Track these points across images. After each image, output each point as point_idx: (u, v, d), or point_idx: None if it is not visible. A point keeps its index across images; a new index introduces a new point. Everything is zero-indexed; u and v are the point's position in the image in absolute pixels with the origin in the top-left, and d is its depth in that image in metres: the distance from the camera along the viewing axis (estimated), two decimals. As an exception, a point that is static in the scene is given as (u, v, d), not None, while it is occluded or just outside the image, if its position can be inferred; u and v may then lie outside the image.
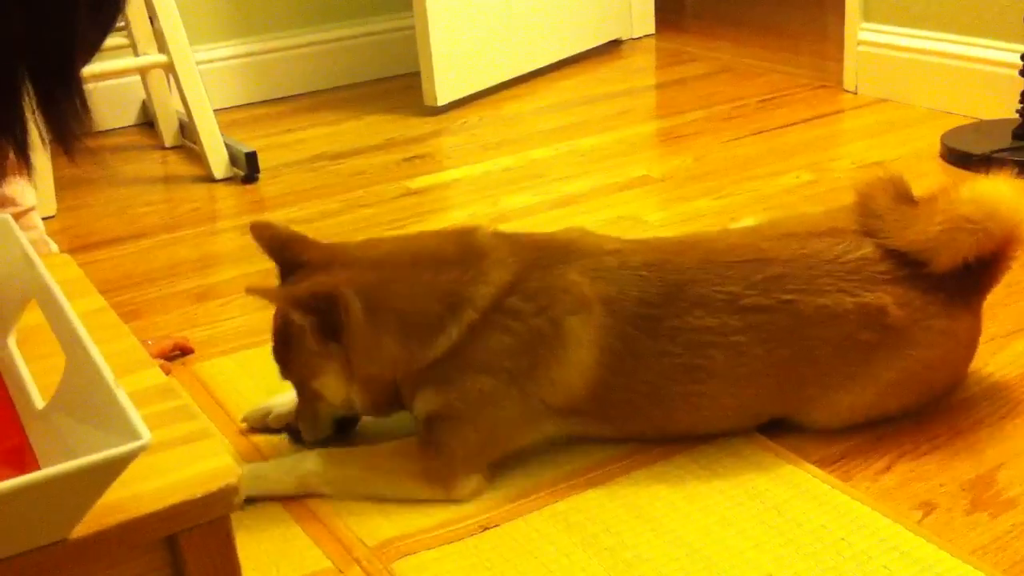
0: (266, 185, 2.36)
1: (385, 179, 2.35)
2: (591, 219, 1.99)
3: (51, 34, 0.72)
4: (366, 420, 1.34)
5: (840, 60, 2.74)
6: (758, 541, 1.12)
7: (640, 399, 1.25)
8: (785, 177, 2.17)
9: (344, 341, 1.21)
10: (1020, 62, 2.14)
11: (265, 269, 1.83)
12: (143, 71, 2.62)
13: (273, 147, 2.59)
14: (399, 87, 3.04)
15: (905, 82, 2.57)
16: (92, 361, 0.67)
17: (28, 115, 0.74)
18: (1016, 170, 1.27)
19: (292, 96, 3.05)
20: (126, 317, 1.49)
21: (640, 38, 3.44)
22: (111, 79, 2.71)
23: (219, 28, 2.96)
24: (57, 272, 0.82)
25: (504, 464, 1.26)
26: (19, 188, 1.54)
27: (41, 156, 2.28)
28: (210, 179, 2.39)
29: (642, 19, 3.44)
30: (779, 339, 1.23)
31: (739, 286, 1.23)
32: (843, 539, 1.11)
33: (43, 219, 2.20)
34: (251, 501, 1.20)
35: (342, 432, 1.32)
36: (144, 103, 2.85)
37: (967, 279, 1.26)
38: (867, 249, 1.25)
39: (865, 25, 2.65)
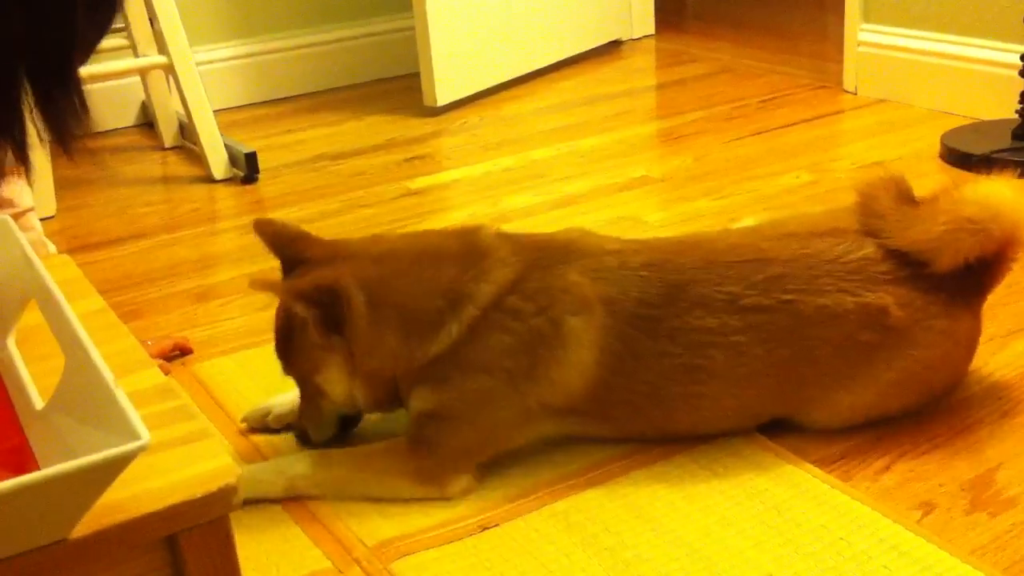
0: (266, 186, 2.36)
1: (385, 179, 2.35)
2: (591, 219, 1.99)
3: (50, 34, 0.72)
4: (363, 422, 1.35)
5: (840, 61, 2.74)
6: (758, 541, 1.12)
7: (640, 399, 1.25)
8: (785, 177, 2.17)
9: (346, 334, 1.21)
10: (1020, 62, 2.14)
11: (265, 269, 1.84)
12: (143, 72, 2.62)
13: (273, 148, 2.59)
14: (399, 88, 3.05)
15: (905, 82, 2.57)
16: (91, 361, 0.67)
17: (27, 115, 0.75)
18: (1017, 171, 1.27)
19: (292, 97, 3.05)
20: (126, 317, 1.50)
21: (640, 39, 3.44)
22: (111, 80, 2.71)
23: (219, 29, 2.96)
24: (57, 273, 0.82)
25: (503, 464, 1.26)
26: (16, 189, 1.54)
27: (41, 157, 2.29)
28: (210, 180, 2.39)
29: (642, 20, 3.44)
30: (780, 339, 1.23)
31: (740, 286, 1.23)
32: (843, 539, 1.11)
33: (43, 220, 2.21)
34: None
35: (345, 430, 1.32)
36: (144, 104, 2.85)
37: (968, 280, 1.26)
38: (868, 249, 1.25)
39: (865, 26, 2.65)
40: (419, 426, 1.24)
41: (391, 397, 1.26)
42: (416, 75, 2.82)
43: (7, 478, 0.57)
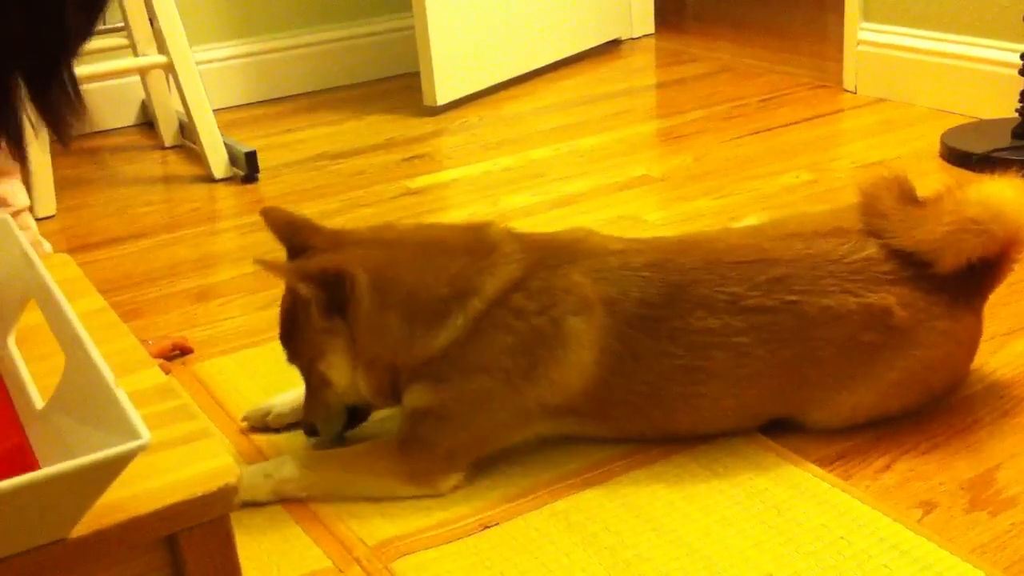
0: (266, 185, 2.36)
1: (385, 179, 2.35)
2: (591, 219, 1.99)
3: (43, 31, 0.73)
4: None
5: (840, 60, 2.74)
6: (758, 540, 1.12)
7: (640, 399, 1.25)
8: (785, 177, 2.17)
9: (349, 317, 1.20)
10: (1020, 61, 2.14)
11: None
12: (143, 71, 2.62)
13: (273, 147, 2.59)
14: (399, 87, 3.05)
15: (905, 82, 2.57)
16: (92, 361, 0.67)
17: (21, 108, 0.75)
18: (1018, 170, 1.27)
19: (292, 96, 3.05)
20: (126, 317, 1.50)
21: (640, 38, 3.44)
22: (111, 79, 2.71)
23: (219, 28, 2.96)
24: (57, 272, 0.82)
25: (503, 463, 1.26)
26: (11, 188, 1.54)
27: (41, 157, 2.29)
28: (210, 179, 2.39)
29: (642, 19, 3.44)
30: (782, 340, 1.23)
31: (742, 287, 1.23)
32: (843, 538, 1.11)
33: (43, 219, 2.22)
34: None
35: (353, 424, 1.32)
36: (144, 103, 2.85)
37: (970, 280, 1.26)
38: (871, 249, 1.25)
39: (865, 25, 2.65)
40: (413, 424, 1.23)
41: (394, 387, 1.26)
42: (416, 74, 2.82)
43: (7, 477, 0.57)
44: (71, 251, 1.97)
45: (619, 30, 3.38)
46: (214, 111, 2.41)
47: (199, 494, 0.68)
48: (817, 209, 1.73)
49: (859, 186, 1.32)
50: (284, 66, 3.05)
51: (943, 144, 2.22)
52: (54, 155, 2.27)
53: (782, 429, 1.29)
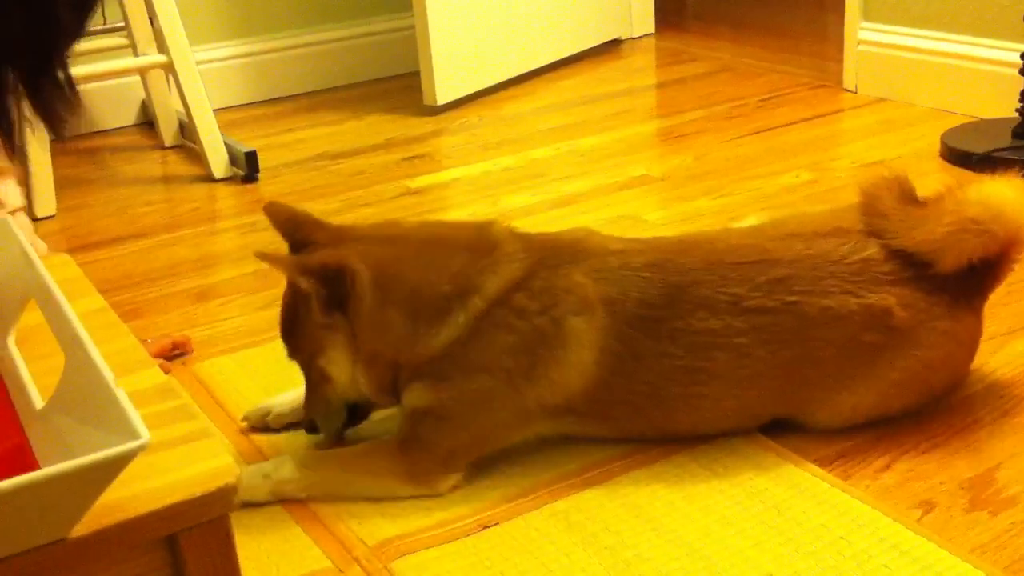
0: (266, 185, 2.36)
1: (385, 179, 2.35)
2: (591, 218, 1.99)
3: (39, 30, 0.73)
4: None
5: (840, 60, 2.74)
6: (758, 540, 1.12)
7: (640, 400, 1.25)
8: (785, 176, 2.17)
9: (350, 313, 1.20)
10: (1020, 61, 2.14)
11: (264, 269, 1.84)
12: (143, 71, 2.62)
13: (273, 147, 2.59)
14: (399, 87, 3.05)
15: (905, 81, 2.57)
16: (91, 361, 0.67)
17: (13, 105, 0.75)
18: (1019, 170, 1.27)
19: (292, 96, 3.05)
20: (126, 317, 1.50)
21: (640, 37, 3.44)
22: (111, 79, 2.71)
23: (219, 28, 2.96)
24: (56, 272, 0.82)
25: (503, 463, 1.26)
26: (5, 188, 1.54)
27: (41, 156, 2.29)
28: (210, 179, 2.39)
29: (642, 19, 3.44)
30: (783, 341, 1.23)
31: (743, 287, 1.23)
32: (843, 538, 1.11)
33: (43, 219, 2.22)
34: None
35: (353, 422, 1.32)
36: (144, 103, 2.85)
37: (970, 280, 1.26)
38: (872, 250, 1.25)
39: (865, 24, 2.65)
40: (413, 423, 1.23)
41: (394, 384, 1.25)
42: (416, 74, 2.82)
43: (7, 477, 0.57)
44: (71, 251, 1.97)
45: (619, 30, 3.38)
46: (214, 111, 2.41)
47: (199, 494, 0.68)
48: (817, 209, 1.73)
49: (859, 186, 1.32)
50: (284, 66, 3.05)
51: (943, 144, 2.22)
52: (54, 155, 2.27)
53: (782, 429, 1.29)
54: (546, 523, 1.17)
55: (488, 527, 1.17)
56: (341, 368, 1.24)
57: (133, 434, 0.60)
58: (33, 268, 0.80)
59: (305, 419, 1.31)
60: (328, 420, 1.30)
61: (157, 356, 1.53)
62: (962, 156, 2.14)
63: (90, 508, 0.64)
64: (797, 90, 2.76)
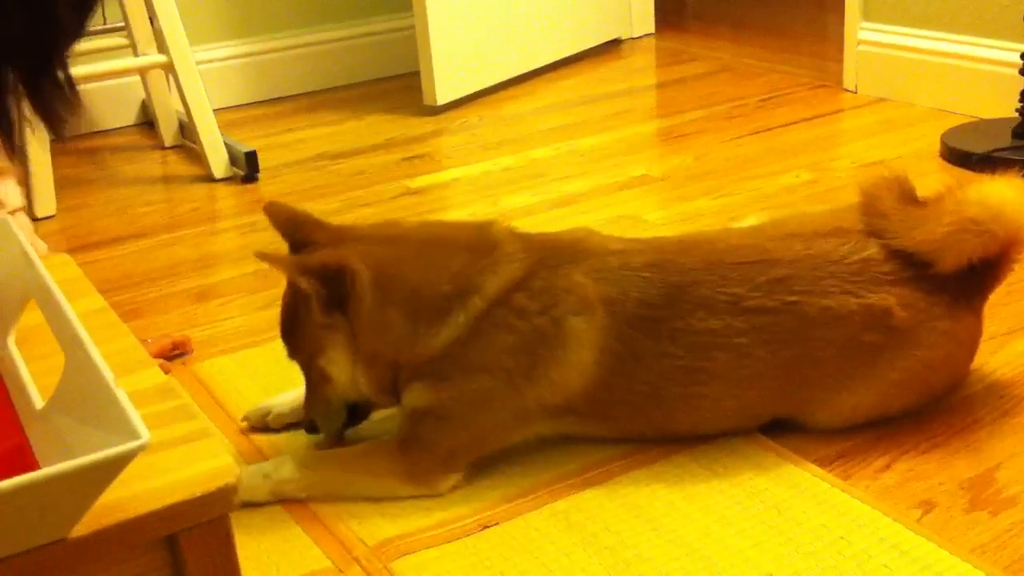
0: (266, 185, 2.36)
1: (385, 179, 2.35)
2: (591, 218, 1.99)
3: (39, 30, 0.73)
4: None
5: (840, 60, 2.74)
6: (758, 540, 1.12)
7: (640, 400, 1.25)
8: (785, 176, 2.17)
9: (350, 313, 1.20)
10: (1020, 61, 2.14)
11: (264, 269, 1.84)
12: (143, 71, 2.62)
13: (273, 147, 2.59)
14: (399, 87, 3.05)
15: (905, 81, 2.57)
16: (91, 361, 0.67)
17: (12, 104, 0.75)
18: (1019, 170, 1.27)
19: (292, 96, 3.05)
20: (126, 317, 1.50)
21: (640, 37, 3.44)
22: (111, 79, 2.71)
23: (219, 28, 2.96)
24: (56, 272, 0.82)
25: (503, 463, 1.26)
26: (5, 188, 1.54)
27: (41, 156, 2.29)
28: (210, 179, 2.39)
29: (642, 18, 3.44)
30: (783, 341, 1.23)
31: (743, 288, 1.23)
32: (843, 538, 1.11)
33: (43, 219, 2.22)
34: None
35: (353, 421, 1.32)
36: (144, 103, 2.85)
37: (970, 280, 1.26)
38: (872, 250, 1.25)
39: (865, 24, 2.65)
40: (412, 423, 1.23)
41: (394, 384, 1.25)
42: (416, 74, 2.82)
43: (7, 477, 0.57)
44: (71, 251, 1.97)
45: (619, 30, 3.38)
46: (214, 111, 2.41)
47: (199, 494, 0.68)
48: (817, 209, 1.73)
49: (859, 186, 1.32)
50: (284, 66, 3.05)
51: (943, 144, 2.22)
52: (54, 155, 2.27)
53: (782, 429, 1.29)
54: (546, 523, 1.17)
55: (488, 527, 1.17)
56: (341, 368, 1.24)
57: (133, 434, 0.60)
58: (33, 268, 0.80)
59: (305, 419, 1.31)
60: (328, 420, 1.30)
61: (157, 356, 1.53)
62: (962, 156, 2.14)
63: (90, 508, 0.64)
64: (797, 90, 2.76)
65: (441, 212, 2.15)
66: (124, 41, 2.56)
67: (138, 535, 0.67)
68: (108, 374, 0.65)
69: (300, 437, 1.35)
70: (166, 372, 1.50)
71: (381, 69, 3.16)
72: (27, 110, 0.78)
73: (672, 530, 1.14)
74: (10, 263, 0.85)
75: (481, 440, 1.24)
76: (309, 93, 3.06)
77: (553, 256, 1.25)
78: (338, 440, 1.32)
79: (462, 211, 2.15)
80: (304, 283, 1.19)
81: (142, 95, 2.80)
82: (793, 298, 1.23)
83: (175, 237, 2.10)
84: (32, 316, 0.81)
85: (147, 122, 2.84)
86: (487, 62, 2.89)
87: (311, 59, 3.08)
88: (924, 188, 1.30)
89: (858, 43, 2.66)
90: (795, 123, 2.51)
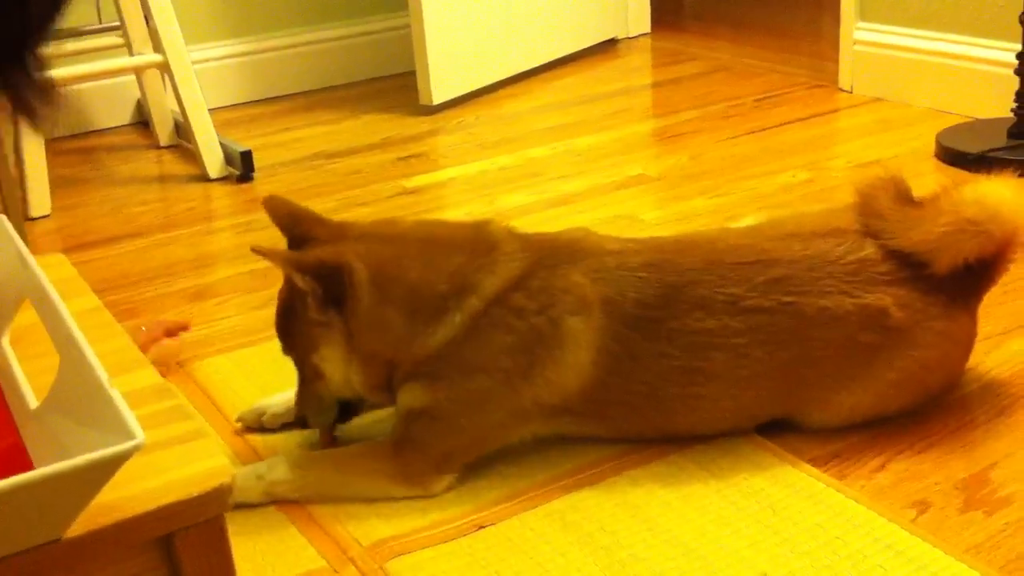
0: (261, 184, 2.35)
1: (381, 178, 2.35)
2: (588, 218, 2.00)
3: (9, 22, 0.73)
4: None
5: (836, 60, 2.74)
6: (753, 540, 1.12)
7: (637, 400, 1.25)
8: (781, 176, 2.17)
9: (346, 311, 1.20)
10: (1015, 61, 2.15)
11: (260, 268, 1.84)
12: (138, 70, 2.61)
13: (269, 146, 2.59)
14: (395, 86, 3.04)
15: (900, 81, 2.57)
16: (86, 361, 0.67)
17: None
18: (1014, 170, 1.27)
19: (288, 95, 3.05)
20: (122, 316, 1.49)
21: (636, 37, 3.44)
22: (106, 78, 2.71)
23: (214, 27, 2.95)
24: (51, 271, 0.82)
25: (499, 463, 1.26)
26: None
27: (36, 156, 2.28)
28: (205, 178, 2.39)
29: (638, 18, 3.45)
30: (780, 341, 1.23)
31: (741, 288, 1.23)
32: (838, 538, 1.11)
33: (38, 218, 2.22)
34: None
35: (345, 418, 1.31)
36: (139, 102, 2.84)
37: (966, 280, 1.26)
38: (869, 250, 1.25)
39: (861, 24, 2.65)
40: (407, 424, 1.23)
41: (388, 383, 1.25)
42: (412, 74, 2.82)
43: (1, 478, 0.57)
44: (66, 251, 1.97)
45: (615, 29, 3.38)
46: (210, 110, 2.40)
47: (194, 494, 0.68)
48: (814, 209, 1.74)
49: (856, 186, 1.32)
50: (280, 65, 3.05)
51: (939, 144, 2.22)
52: (49, 154, 2.27)
53: (778, 429, 1.29)
54: (541, 523, 1.17)
55: (484, 527, 1.16)
56: (335, 366, 1.24)
57: (128, 434, 0.60)
58: (27, 268, 0.80)
59: (296, 414, 1.31)
60: (319, 416, 1.30)
61: (153, 342, 1.51)
62: (958, 156, 2.15)
63: (85, 508, 0.64)
64: (793, 90, 2.76)
65: (438, 211, 2.15)
66: (119, 40, 2.56)
67: (133, 535, 0.67)
68: (103, 374, 0.65)
69: (295, 437, 1.35)
70: (173, 347, 1.50)
71: (377, 68, 3.16)
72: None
73: (668, 530, 1.14)
74: (4, 263, 0.85)
75: (477, 440, 1.24)
76: (305, 92, 3.06)
77: (551, 256, 1.25)
78: (332, 441, 1.32)
79: (459, 210, 2.15)
80: (301, 280, 1.18)
81: (137, 94, 2.79)
82: (790, 298, 1.23)
83: (171, 237, 2.10)
84: (27, 316, 0.81)
85: (142, 121, 2.84)
86: (483, 61, 2.89)
87: (307, 58, 3.08)
88: (920, 188, 1.30)
89: (854, 43, 2.66)
90: (791, 123, 2.51)
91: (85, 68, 2.33)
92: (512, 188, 2.23)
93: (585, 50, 3.25)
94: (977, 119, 2.35)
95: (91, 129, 2.82)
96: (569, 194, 2.17)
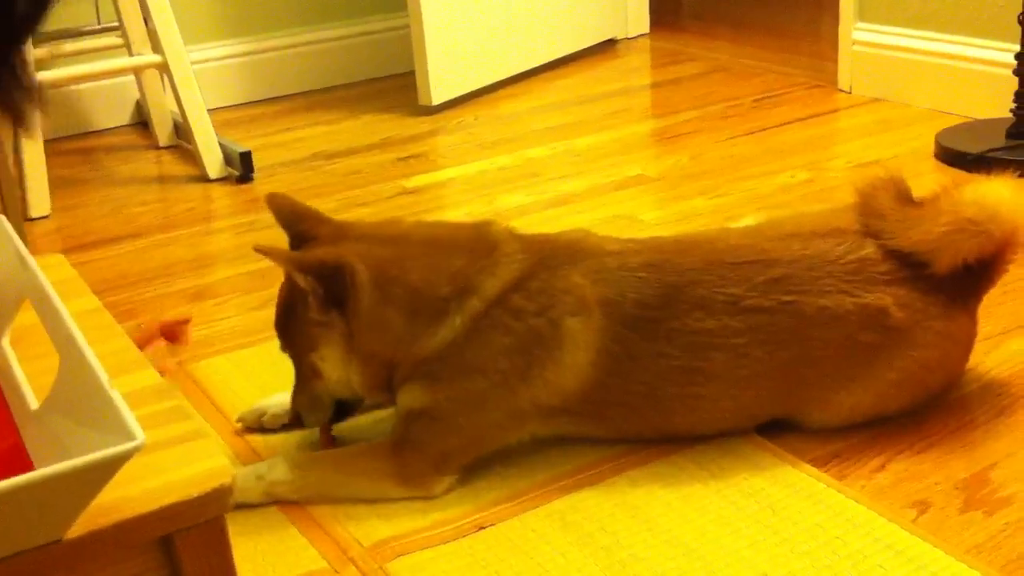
0: (261, 185, 2.35)
1: (381, 178, 2.35)
2: (587, 218, 2.00)
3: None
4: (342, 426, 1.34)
5: (835, 60, 2.74)
6: (753, 540, 1.12)
7: (637, 400, 1.25)
8: (780, 176, 2.17)
9: (348, 312, 1.20)
10: (1014, 62, 2.15)
11: (259, 269, 1.84)
12: (137, 71, 2.61)
13: (268, 147, 2.59)
14: (394, 86, 3.04)
15: (900, 82, 2.57)
16: (86, 362, 0.67)
17: None
18: (1014, 170, 1.27)
19: (287, 96, 3.05)
20: (121, 317, 1.50)
21: (635, 37, 3.44)
22: (105, 79, 2.71)
23: (214, 27, 2.95)
24: (51, 272, 0.82)
25: (499, 464, 1.26)
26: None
27: (36, 156, 2.28)
28: (205, 179, 2.39)
29: (637, 19, 3.45)
30: (780, 341, 1.23)
31: (741, 288, 1.23)
32: (838, 538, 1.11)
33: (37, 219, 2.21)
34: None
35: (341, 417, 1.31)
36: (138, 103, 2.84)
37: (965, 280, 1.26)
38: (869, 250, 1.25)
39: (860, 25, 2.65)
40: (407, 424, 1.23)
41: (387, 384, 1.25)
42: (412, 74, 2.82)
43: (2, 478, 0.57)
44: (66, 251, 1.97)
45: (615, 30, 3.38)
46: (209, 111, 2.40)
47: (194, 495, 0.68)
48: (813, 209, 1.74)
49: (856, 186, 1.32)
50: (279, 65, 3.04)
51: (938, 144, 2.22)
52: (49, 155, 2.27)
53: (778, 429, 1.29)
54: (542, 523, 1.17)
55: (484, 528, 1.16)
56: (333, 366, 1.24)
57: (128, 435, 0.60)
58: (27, 268, 0.80)
59: (291, 411, 1.31)
60: (314, 414, 1.30)
61: (151, 339, 1.50)
62: (957, 156, 2.15)
63: (86, 509, 0.64)
64: (792, 90, 2.76)
65: (437, 212, 2.15)
66: (118, 41, 2.56)
67: (134, 536, 0.67)
68: (103, 375, 0.65)
69: (295, 438, 1.35)
70: (174, 344, 1.50)
71: (377, 69, 3.16)
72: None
73: (668, 530, 1.14)
74: (5, 264, 0.84)
75: (476, 441, 1.24)
76: (304, 93, 3.06)
77: (552, 257, 1.25)
78: (332, 441, 1.32)
79: (458, 211, 2.15)
80: (302, 280, 1.18)
81: (137, 95, 2.79)
82: (790, 298, 1.23)
83: (170, 237, 2.10)
84: (27, 317, 0.81)
85: (142, 122, 2.84)
86: (483, 62, 2.89)
87: (306, 58, 3.08)
88: (919, 188, 1.30)
89: (853, 43, 2.67)
90: (790, 123, 2.51)
91: (84, 68, 2.33)
92: (511, 188, 2.23)
93: (584, 50, 3.25)
94: (976, 119, 2.35)
95: (90, 130, 2.82)
96: (568, 194, 2.17)
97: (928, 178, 2.05)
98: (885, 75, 2.60)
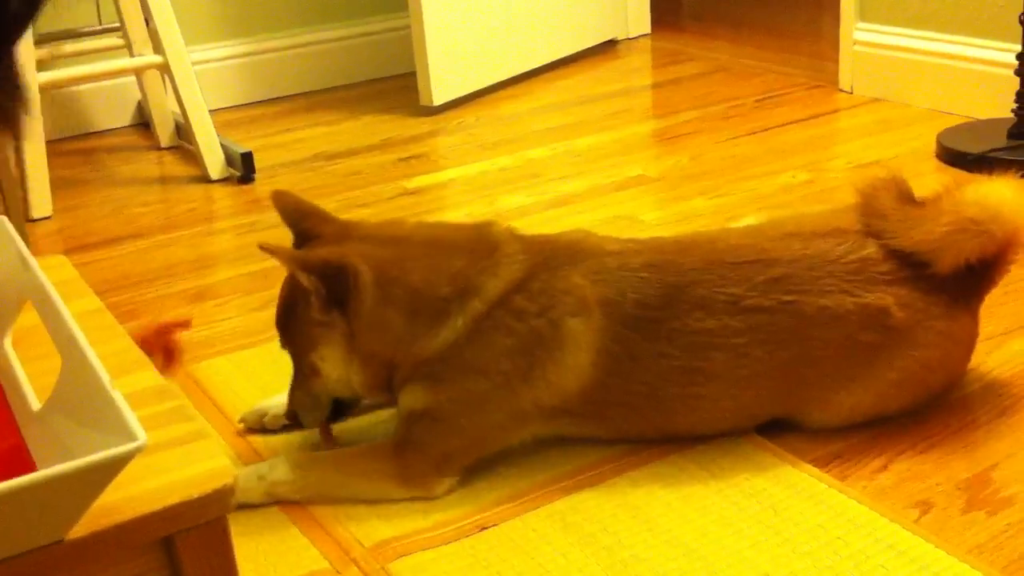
0: (262, 185, 2.36)
1: (382, 179, 2.35)
2: (587, 219, 2.00)
3: None
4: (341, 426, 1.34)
5: (836, 60, 2.74)
6: (755, 541, 1.12)
7: (638, 400, 1.25)
8: (781, 176, 2.17)
9: (349, 312, 1.20)
10: (1015, 62, 2.15)
11: (261, 269, 1.84)
12: (139, 72, 2.61)
13: (269, 147, 2.59)
14: (395, 87, 3.05)
15: (900, 82, 2.57)
16: (88, 362, 0.67)
17: None
18: (1015, 170, 1.27)
19: (288, 96, 3.05)
20: (123, 318, 1.49)
21: (636, 38, 3.44)
22: (107, 79, 2.71)
23: (215, 28, 2.96)
24: (52, 273, 0.82)
25: (500, 464, 1.26)
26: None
27: (37, 157, 2.28)
28: (206, 180, 2.39)
29: (638, 19, 3.45)
30: (780, 340, 1.23)
31: (742, 287, 1.23)
32: (840, 538, 1.11)
33: (39, 220, 2.22)
34: None
35: (339, 416, 1.31)
36: (140, 104, 2.84)
37: (967, 280, 1.26)
38: (870, 250, 1.25)
39: (860, 25, 2.65)
40: (408, 425, 1.23)
41: (387, 384, 1.25)
42: (412, 75, 2.82)
43: (4, 479, 0.57)
44: (67, 252, 1.97)
45: (615, 30, 3.38)
46: (210, 111, 2.40)
47: (196, 495, 0.68)
48: (814, 209, 1.74)
49: (857, 186, 1.32)
50: (280, 66, 3.05)
51: (939, 144, 2.22)
52: (50, 156, 2.27)
53: (779, 429, 1.29)
54: (543, 524, 1.17)
55: (485, 528, 1.17)
56: (333, 365, 1.24)
57: (130, 435, 0.60)
58: (29, 269, 0.80)
59: (288, 409, 1.31)
60: (311, 412, 1.30)
61: (148, 340, 1.50)
62: (958, 156, 2.15)
63: (87, 510, 0.64)
64: (793, 90, 2.76)
65: (438, 212, 2.15)
66: (120, 42, 2.56)
67: (135, 537, 0.67)
68: (104, 375, 0.65)
69: (296, 438, 1.35)
70: (172, 346, 1.49)
71: (378, 69, 3.16)
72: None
73: (669, 530, 1.14)
74: (6, 264, 0.85)
75: (477, 442, 1.24)
76: (305, 93, 3.06)
77: (553, 258, 1.25)
78: (333, 442, 1.32)
79: (459, 211, 2.15)
80: (305, 279, 1.19)
81: (138, 96, 2.79)
82: (791, 298, 1.23)
83: (171, 238, 2.10)
84: (28, 317, 0.81)
85: (143, 123, 2.84)
86: (483, 62, 2.89)
87: (307, 59, 3.08)
88: (920, 188, 1.30)
89: (854, 43, 2.66)
90: (791, 123, 2.51)
91: (85, 69, 2.33)
92: (512, 189, 2.23)
93: (585, 51, 3.25)
94: (977, 120, 2.35)
95: (92, 130, 2.82)
96: (569, 195, 2.17)
97: (929, 178, 2.05)
98: (886, 75, 2.60)
